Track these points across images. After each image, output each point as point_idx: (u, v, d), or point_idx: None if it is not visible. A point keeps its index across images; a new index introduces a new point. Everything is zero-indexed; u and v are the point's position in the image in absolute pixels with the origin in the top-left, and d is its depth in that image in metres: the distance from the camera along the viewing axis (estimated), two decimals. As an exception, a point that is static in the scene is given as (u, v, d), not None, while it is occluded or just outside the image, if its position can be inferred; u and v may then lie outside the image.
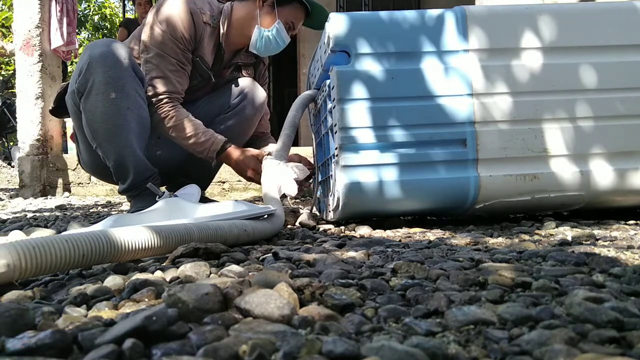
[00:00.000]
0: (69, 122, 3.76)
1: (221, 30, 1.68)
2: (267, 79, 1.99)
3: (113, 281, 0.60)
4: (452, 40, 1.19)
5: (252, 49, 1.72)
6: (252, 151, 1.62)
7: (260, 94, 1.83)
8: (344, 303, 0.49)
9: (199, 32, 1.62)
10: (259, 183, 1.41)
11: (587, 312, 0.43)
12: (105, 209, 2.29)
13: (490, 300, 0.50)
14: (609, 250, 0.75)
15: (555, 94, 1.19)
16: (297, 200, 2.47)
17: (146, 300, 0.53)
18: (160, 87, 1.59)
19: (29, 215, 2.02)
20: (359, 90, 1.16)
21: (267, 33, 1.67)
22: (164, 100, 1.59)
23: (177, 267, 0.67)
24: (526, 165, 1.18)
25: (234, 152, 1.60)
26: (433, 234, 1.06)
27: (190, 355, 0.37)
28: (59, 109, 1.67)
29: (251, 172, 1.58)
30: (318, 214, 1.52)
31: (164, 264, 0.73)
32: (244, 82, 1.82)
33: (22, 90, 3.54)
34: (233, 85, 1.82)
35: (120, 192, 1.56)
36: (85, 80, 1.44)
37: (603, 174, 1.19)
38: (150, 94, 1.58)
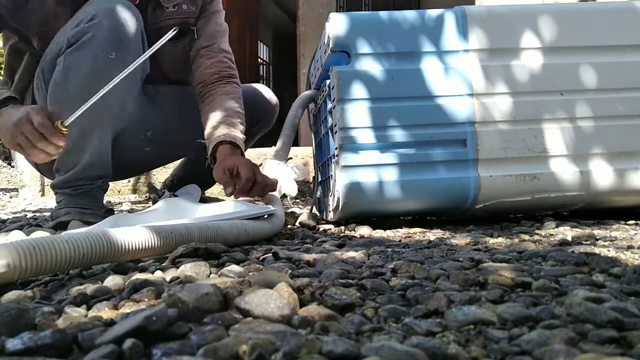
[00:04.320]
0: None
1: None
2: (222, 27, 1.50)
3: (113, 281, 0.60)
4: (452, 40, 1.19)
5: None
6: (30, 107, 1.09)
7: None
8: (344, 303, 0.49)
9: None
10: (33, 149, 1.05)
11: (587, 312, 0.43)
12: (105, 209, 2.28)
13: (490, 300, 0.50)
14: (609, 250, 0.75)
15: (555, 94, 1.19)
16: (297, 200, 2.48)
17: (146, 300, 0.53)
18: None
19: (29, 215, 2.01)
20: (359, 90, 1.16)
21: None
22: None
23: (177, 267, 0.67)
24: (526, 165, 1.18)
25: (8, 110, 1.09)
26: (433, 234, 1.06)
27: (190, 355, 0.37)
28: None
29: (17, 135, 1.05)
30: (318, 214, 1.52)
31: (164, 264, 0.73)
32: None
33: (22, 90, 3.53)
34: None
35: (55, 186, 1.30)
36: (83, 33, 1.18)
37: (603, 174, 1.19)
38: None
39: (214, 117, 1.34)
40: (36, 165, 1.46)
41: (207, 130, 1.34)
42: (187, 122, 1.53)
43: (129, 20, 1.22)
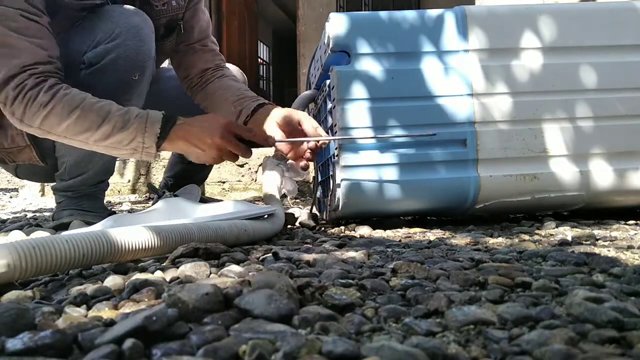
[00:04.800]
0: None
1: None
2: (206, 16, 1.45)
3: (113, 281, 0.60)
4: (452, 40, 1.19)
5: None
6: (211, 117, 1.08)
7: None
8: (344, 303, 0.49)
9: None
10: (234, 159, 1.05)
11: (587, 312, 0.43)
12: (105, 209, 2.28)
13: (490, 300, 0.50)
14: (609, 250, 0.75)
15: (555, 94, 1.19)
16: (297, 200, 2.48)
17: (146, 300, 0.53)
18: (6, 65, 1.00)
19: (29, 215, 2.01)
20: (359, 90, 1.16)
21: None
22: (28, 82, 0.99)
23: (177, 267, 0.67)
24: (526, 165, 1.18)
25: (186, 127, 1.03)
26: (433, 234, 1.06)
27: (190, 355, 0.37)
28: None
29: (218, 146, 1.01)
30: (318, 214, 1.52)
31: (164, 264, 0.73)
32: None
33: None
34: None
35: (57, 189, 1.30)
36: (106, 52, 1.14)
37: (603, 174, 1.19)
38: None
39: (232, 91, 1.30)
40: (16, 173, 1.44)
41: (230, 102, 1.28)
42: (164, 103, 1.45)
43: (148, 37, 1.20)
